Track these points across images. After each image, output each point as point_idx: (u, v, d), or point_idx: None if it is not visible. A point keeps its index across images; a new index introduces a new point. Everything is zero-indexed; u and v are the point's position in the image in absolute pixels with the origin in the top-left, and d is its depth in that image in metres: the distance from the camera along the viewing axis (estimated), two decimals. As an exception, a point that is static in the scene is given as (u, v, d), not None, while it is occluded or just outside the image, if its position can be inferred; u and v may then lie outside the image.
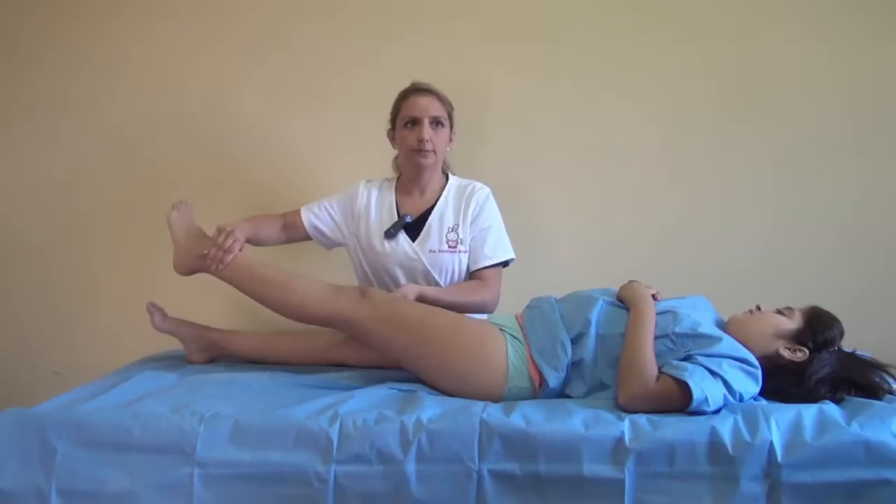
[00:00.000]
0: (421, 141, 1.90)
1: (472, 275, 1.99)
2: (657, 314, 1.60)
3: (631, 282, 1.74)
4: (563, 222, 2.29)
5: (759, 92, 2.21)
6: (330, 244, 2.08)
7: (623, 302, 1.68)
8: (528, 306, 1.78)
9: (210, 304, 2.25)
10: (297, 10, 2.31)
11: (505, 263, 2.02)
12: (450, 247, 1.95)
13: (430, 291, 1.84)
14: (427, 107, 1.92)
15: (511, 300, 1.98)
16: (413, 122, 1.92)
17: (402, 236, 1.96)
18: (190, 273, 1.84)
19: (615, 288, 1.75)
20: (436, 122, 1.93)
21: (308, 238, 2.06)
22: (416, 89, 1.95)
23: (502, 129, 2.28)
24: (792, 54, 2.20)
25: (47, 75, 2.40)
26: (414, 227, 1.97)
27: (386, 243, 1.96)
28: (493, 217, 2.01)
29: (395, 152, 2.06)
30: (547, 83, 2.26)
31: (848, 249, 2.20)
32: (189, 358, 1.91)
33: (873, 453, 1.27)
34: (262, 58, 2.33)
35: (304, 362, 1.86)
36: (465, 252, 1.97)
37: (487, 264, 1.97)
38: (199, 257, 1.79)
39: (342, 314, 1.67)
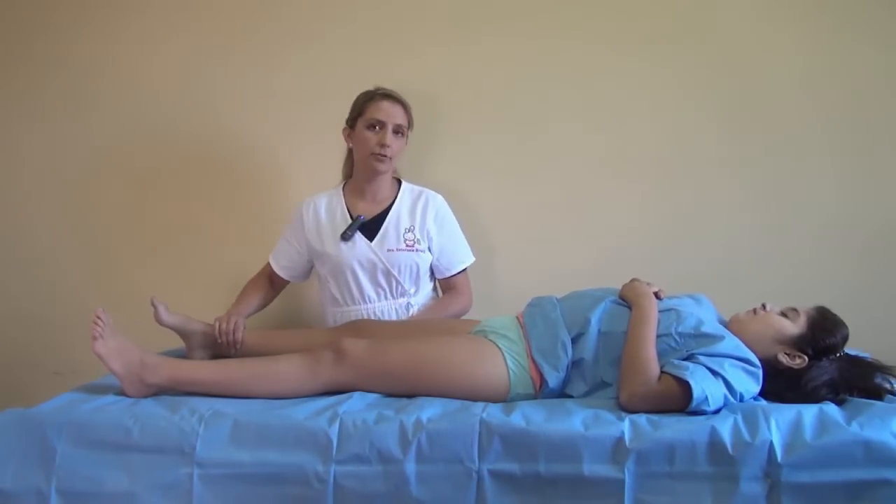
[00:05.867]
0: (383, 146, 1.93)
1: (444, 281, 2.09)
2: (659, 312, 1.59)
3: (633, 280, 1.74)
4: (564, 222, 2.28)
5: (759, 93, 2.21)
6: (303, 274, 2.13)
7: (625, 300, 1.67)
8: (529, 305, 1.78)
9: (210, 303, 2.24)
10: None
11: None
12: (407, 246, 1.98)
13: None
14: (393, 113, 1.96)
15: (511, 301, 1.97)
16: (377, 126, 1.95)
17: (359, 237, 1.99)
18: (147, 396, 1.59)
19: (618, 286, 1.74)
20: (398, 131, 1.97)
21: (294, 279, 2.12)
22: (385, 94, 1.97)
23: (499, 130, 2.27)
24: (791, 55, 2.19)
25: (43, 74, 2.41)
26: (370, 229, 2.00)
27: (342, 245, 1.98)
28: (454, 224, 2.08)
29: (342, 157, 2.09)
30: (548, 81, 2.26)
31: (848, 249, 2.20)
32: (189, 355, 1.90)
33: (873, 453, 1.27)
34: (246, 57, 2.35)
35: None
36: (424, 252, 2.00)
37: (460, 269, 2.07)
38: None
39: (332, 383, 1.58)
